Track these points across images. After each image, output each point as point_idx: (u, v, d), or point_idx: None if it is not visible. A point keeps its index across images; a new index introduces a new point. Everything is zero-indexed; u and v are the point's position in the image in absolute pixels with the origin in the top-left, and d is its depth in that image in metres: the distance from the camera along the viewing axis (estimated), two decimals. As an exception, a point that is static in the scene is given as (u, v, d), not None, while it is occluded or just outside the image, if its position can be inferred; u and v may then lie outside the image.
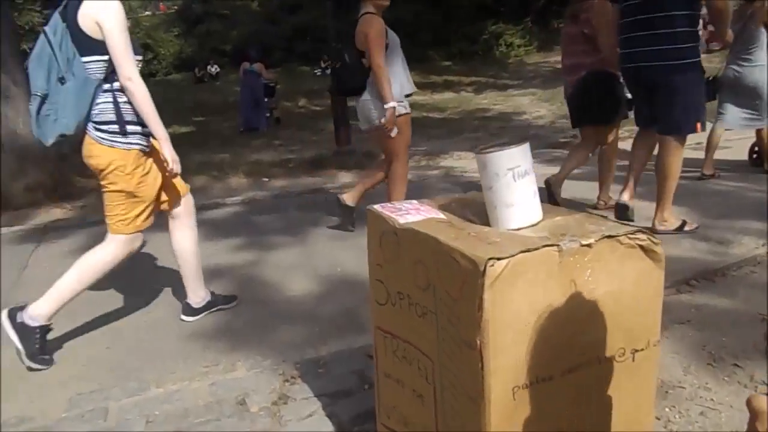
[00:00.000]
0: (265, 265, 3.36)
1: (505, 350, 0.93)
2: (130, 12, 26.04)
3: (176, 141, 7.95)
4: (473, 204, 1.26)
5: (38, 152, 6.11)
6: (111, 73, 2.11)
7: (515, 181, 1.08)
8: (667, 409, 1.77)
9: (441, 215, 1.18)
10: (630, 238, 1.02)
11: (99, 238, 4.20)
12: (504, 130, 8.86)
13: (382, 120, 3.28)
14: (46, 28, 2.06)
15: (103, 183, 2.26)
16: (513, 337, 0.93)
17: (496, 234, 1.05)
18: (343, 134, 7.17)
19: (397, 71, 3.40)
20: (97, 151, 2.15)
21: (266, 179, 6.36)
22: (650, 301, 1.07)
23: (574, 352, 1.01)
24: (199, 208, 5.24)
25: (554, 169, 5.89)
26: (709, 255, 3.09)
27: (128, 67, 2.07)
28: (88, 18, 2.04)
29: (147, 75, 20.34)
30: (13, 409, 1.94)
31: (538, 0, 21.11)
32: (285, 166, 6.82)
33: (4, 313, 2.22)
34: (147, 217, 2.32)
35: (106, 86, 2.13)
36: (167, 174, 2.32)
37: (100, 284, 3.08)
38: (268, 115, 11.00)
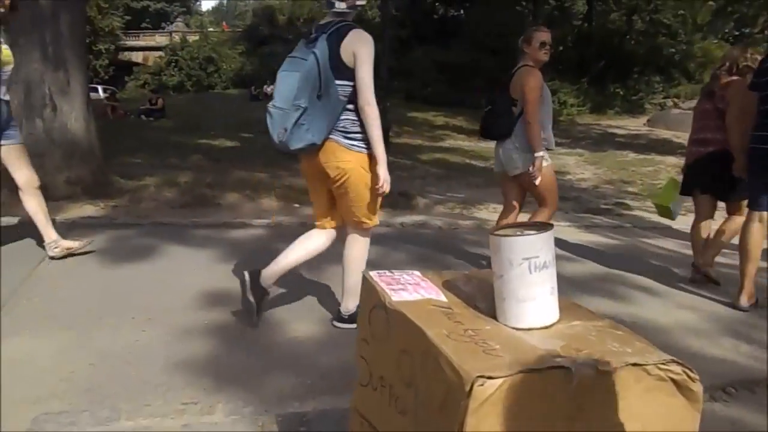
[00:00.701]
0: (275, 300, 3.23)
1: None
2: (201, 27, 27.35)
3: (220, 155, 8.15)
4: (484, 285, 1.09)
5: (84, 148, 6.28)
6: (353, 95, 2.44)
7: (531, 273, 0.92)
8: None
9: (441, 296, 1.02)
10: (661, 369, 0.83)
11: (124, 244, 4.27)
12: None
13: (530, 169, 3.44)
14: (317, 51, 2.37)
15: (345, 184, 2.55)
16: None
17: (497, 337, 0.88)
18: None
19: (546, 124, 3.57)
20: (346, 156, 2.49)
21: (297, 205, 6.31)
22: None
23: None
24: (224, 226, 5.28)
25: (590, 237, 5.68)
26: (752, 360, 2.79)
27: (369, 94, 2.42)
28: (347, 48, 2.38)
29: (206, 87, 21.19)
30: (-23, 420, 1.84)
31: (597, 63, 21.01)
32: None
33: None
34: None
35: (350, 106, 2.47)
36: (377, 192, 2.58)
37: (103, 298, 3.05)
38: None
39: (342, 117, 2.46)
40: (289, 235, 4.90)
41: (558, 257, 3.97)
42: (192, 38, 23.27)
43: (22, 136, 3.84)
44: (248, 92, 18.09)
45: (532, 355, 0.81)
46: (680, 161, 11.72)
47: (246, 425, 1.90)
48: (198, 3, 47.72)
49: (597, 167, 11.63)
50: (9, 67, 3.56)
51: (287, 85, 2.41)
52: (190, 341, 2.56)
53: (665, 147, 14.39)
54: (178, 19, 31.46)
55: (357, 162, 2.51)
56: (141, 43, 33.46)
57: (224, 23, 26.93)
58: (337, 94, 2.41)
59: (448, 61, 19.20)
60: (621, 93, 20.44)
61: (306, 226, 5.26)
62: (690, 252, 4.18)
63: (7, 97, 3.57)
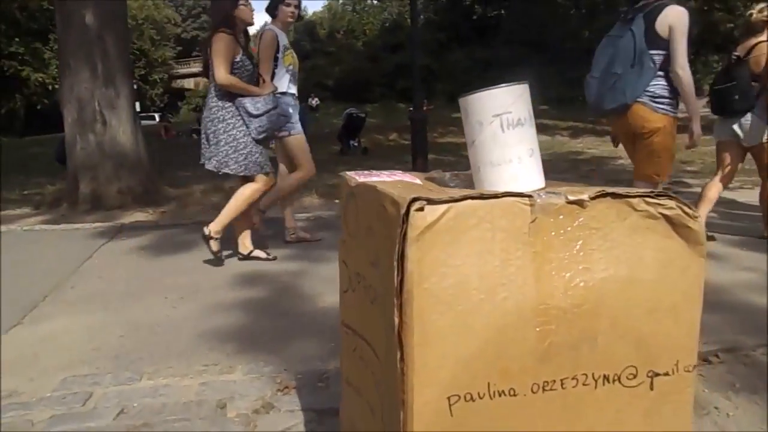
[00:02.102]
0: (306, 275, 3.21)
1: (439, 339, 0.65)
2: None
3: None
4: (470, 179, 0.99)
5: (133, 160, 6.56)
6: (665, 63, 2.70)
7: (504, 131, 0.82)
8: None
9: (417, 181, 0.93)
10: (648, 203, 0.70)
11: (166, 240, 4.40)
12: (594, 173, 8.28)
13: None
14: (633, 28, 2.71)
15: (648, 143, 2.82)
16: (452, 321, 0.65)
17: (462, 191, 0.78)
18: (420, 165, 7.03)
19: None
20: (653, 117, 2.75)
21: (338, 201, 6.33)
22: (683, 302, 0.73)
23: (551, 360, 0.70)
24: (267, 221, 5.36)
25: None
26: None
27: (683, 60, 2.66)
28: (663, 22, 2.67)
29: (254, 105, 21.88)
30: (11, 384, 1.90)
31: (649, 46, 20.11)
32: (358, 191, 6.76)
33: None
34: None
35: (660, 73, 2.72)
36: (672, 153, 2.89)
37: (140, 283, 3.13)
38: (356, 144, 11.25)
39: (652, 83, 2.74)
40: (327, 226, 4.93)
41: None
42: (238, 60, 24.24)
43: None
44: (294, 106, 18.47)
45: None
46: (745, 138, 10.98)
47: (264, 383, 1.85)
48: (244, 28, 49.44)
49: (652, 151, 11.04)
50: (295, 68, 3.85)
51: (605, 56, 2.85)
52: (218, 315, 2.56)
53: (728, 126, 13.48)
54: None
55: (662, 123, 2.77)
56: (192, 69, 35.01)
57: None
58: (649, 63, 2.71)
59: (490, 59, 18.94)
60: (676, 76, 19.46)
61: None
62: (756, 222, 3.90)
63: (294, 91, 3.82)
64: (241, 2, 3.22)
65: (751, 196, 6.73)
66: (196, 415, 1.64)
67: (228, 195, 6.80)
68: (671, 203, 0.71)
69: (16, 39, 23.42)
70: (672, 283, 0.71)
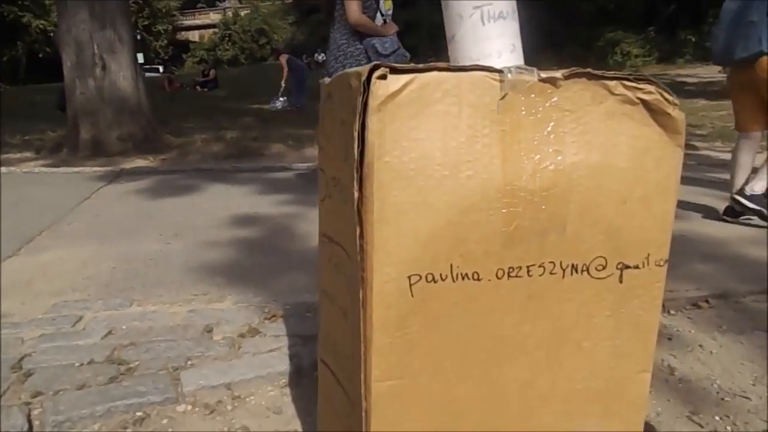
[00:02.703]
0: (304, 218, 3.21)
1: (399, 215, 0.63)
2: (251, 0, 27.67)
3: (269, 116, 8.26)
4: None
5: (133, 106, 6.49)
6: None
7: (484, 24, 0.78)
8: (717, 417, 1.34)
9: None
10: (627, 87, 0.67)
11: (166, 184, 4.41)
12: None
13: None
14: None
15: None
16: (414, 197, 0.63)
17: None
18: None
19: None
20: None
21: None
22: (657, 193, 0.70)
23: (517, 246, 0.68)
24: (266, 170, 5.34)
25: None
26: (824, 267, 2.48)
27: None
28: None
29: (259, 59, 21.60)
30: (4, 307, 1.92)
31: (666, 8, 19.51)
32: (360, 143, 6.69)
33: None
34: None
35: None
36: None
37: (137, 221, 3.15)
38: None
39: None
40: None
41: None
42: (244, 12, 23.60)
43: None
44: (300, 60, 18.12)
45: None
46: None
47: (252, 311, 1.87)
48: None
49: (662, 113, 10.86)
50: (390, 12, 3.81)
51: (733, 5, 2.80)
52: (212, 251, 2.57)
53: (742, 91, 13.18)
54: (232, -6, 32.02)
55: None
56: (197, 21, 34.33)
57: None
58: None
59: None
60: (693, 40, 18.92)
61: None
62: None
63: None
64: None
65: (758, 159, 6.61)
66: (182, 336, 1.65)
67: (229, 145, 6.80)
68: (651, 88, 0.67)
69: (17, -16, 22.97)
70: (646, 173, 0.69)
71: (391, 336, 0.66)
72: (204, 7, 36.82)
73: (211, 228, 2.97)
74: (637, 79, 0.67)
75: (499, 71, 0.64)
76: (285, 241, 2.76)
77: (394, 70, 0.60)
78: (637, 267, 0.71)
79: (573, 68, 0.66)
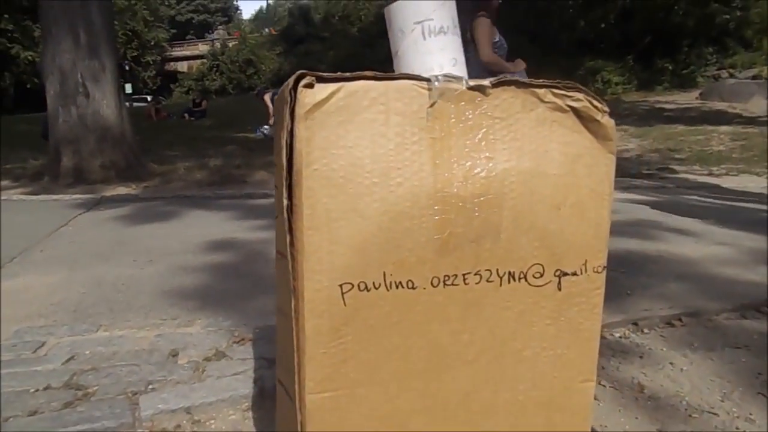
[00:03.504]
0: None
1: (330, 222, 0.62)
2: (243, 30, 28.12)
3: (254, 145, 8.30)
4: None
5: (116, 134, 6.49)
6: None
7: (425, 39, 0.79)
8: (683, 435, 1.33)
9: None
10: (555, 95, 0.68)
11: (145, 211, 4.37)
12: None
13: None
14: None
15: None
16: (344, 204, 0.63)
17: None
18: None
19: None
20: None
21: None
22: (590, 199, 0.70)
23: (451, 253, 0.67)
24: (247, 197, 5.33)
25: (628, 195, 5.35)
26: (796, 285, 2.50)
27: None
28: None
29: (247, 89, 21.73)
30: (-35, 333, 1.87)
31: (642, 39, 20.07)
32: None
33: None
34: None
35: None
36: None
37: (111, 247, 3.12)
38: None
39: None
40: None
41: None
42: (232, 43, 23.94)
43: None
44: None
45: (392, 79, 0.67)
46: (735, 130, 11.00)
47: (221, 335, 1.84)
48: (239, 12, 49.04)
49: (641, 140, 11.07)
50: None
51: None
52: (184, 276, 2.54)
53: (719, 118, 13.49)
54: (220, 28, 32.48)
55: None
56: (186, 52, 34.69)
57: (272, 28, 27.42)
58: None
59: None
60: (670, 68, 19.42)
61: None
62: (739, 204, 3.91)
63: None
64: None
65: (734, 182, 6.74)
66: (146, 361, 1.62)
67: (212, 172, 6.79)
68: (579, 95, 0.68)
69: (6, 16, 23.07)
70: (578, 179, 0.69)
71: (324, 346, 0.65)
72: (193, 39, 37.28)
73: (185, 253, 2.95)
74: (566, 87, 0.68)
75: (427, 80, 0.65)
76: (259, 266, 2.73)
77: (321, 79, 0.61)
78: (575, 274, 0.71)
79: (500, 76, 0.67)
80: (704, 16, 19.35)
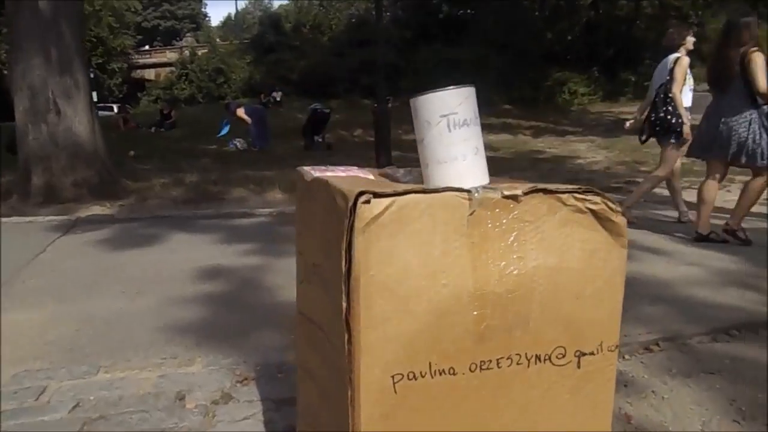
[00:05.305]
0: (268, 270, 3.22)
1: (383, 321, 0.70)
2: (209, 40, 27.77)
3: (228, 158, 8.21)
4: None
5: (89, 151, 6.38)
6: None
7: (450, 131, 0.87)
8: (669, 467, 1.44)
9: (370, 176, 0.98)
10: (577, 198, 0.77)
11: (125, 234, 4.33)
12: (554, 172, 8.51)
13: None
14: None
15: None
16: (396, 305, 0.70)
17: (406, 186, 0.83)
18: (383, 161, 7.07)
19: None
20: None
21: (300, 196, 6.30)
22: (606, 288, 0.80)
23: (487, 342, 0.76)
24: (228, 216, 5.31)
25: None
26: (759, 306, 2.68)
27: None
28: None
29: (217, 98, 21.42)
30: (-41, 378, 1.85)
31: (606, 51, 20.74)
32: (322, 186, 6.71)
33: None
34: None
35: None
36: None
37: (97, 277, 3.09)
38: (320, 140, 11.26)
39: None
40: (290, 221, 4.92)
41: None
42: (201, 51, 23.66)
43: None
44: (258, 100, 18.21)
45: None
46: (695, 140, 11.45)
47: (223, 374, 1.87)
48: (207, 19, 48.43)
49: (609, 151, 11.41)
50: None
51: None
52: (177, 308, 2.55)
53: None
54: (188, 35, 32.03)
55: None
56: (153, 60, 34.09)
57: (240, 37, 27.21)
58: None
59: (455, 59, 19.12)
60: (633, 79, 20.13)
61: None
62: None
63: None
64: None
65: (695, 195, 7.03)
66: (154, 406, 1.64)
67: (189, 189, 6.73)
68: (597, 199, 0.78)
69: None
70: (596, 271, 0.78)
71: (376, 428, 0.72)
72: (160, 46, 36.67)
73: (174, 282, 2.95)
74: (585, 191, 0.77)
75: (468, 191, 0.73)
76: (250, 296, 2.77)
77: (376, 195, 0.68)
78: (592, 353, 0.80)
79: (532, 185, 0.75)
80: (664, 30, 20.14)
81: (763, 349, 2.17)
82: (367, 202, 0.68)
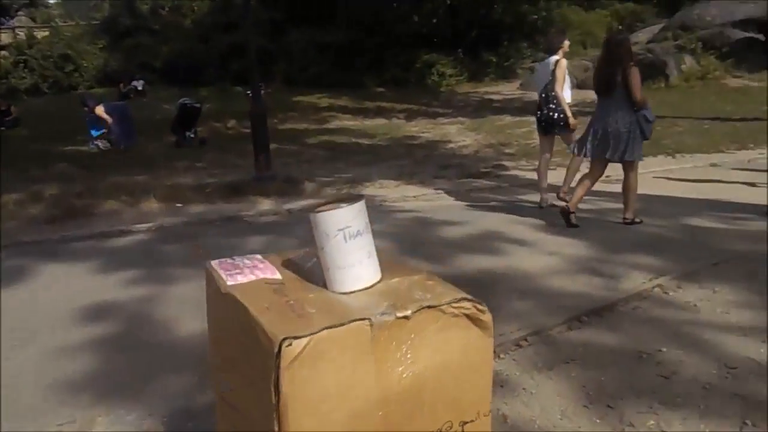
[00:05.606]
0: (161, 300, 3.14)
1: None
2: (49, 21, 24.77)
3: (90, 161, 7.53)
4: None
5: None
6: None
7: (346, 242, 1.02)
8: (538, 459, 1.74)
9: (277, 275, 1.10)
10: (454, 307, 0.97)
11: None
12: (428, 158, 8.98)
13: None
14: None
15: None
16: (317, 424, 0.86)
17: (316, 302, 0.98)
18: (264, 160, 6.99)
19: None
20: None
21: (180, 205, 6.06)
22: (479, 370, 1.02)
23: (394, 428, 0.94)
24: (103, 236, 4.96)
25: (471, 200, 6.05)
26: (603, 290, 3.16)
27: None
28: None
29: (67, 87, 19.16)
30: None
31: (469, 32, 21.94)
32: (202, 191, 6.51)
33: None
34: None
35: None
36: None
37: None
38: (192, 136, 10.73)
39: None
40: (173, 238, 4.73)
41: (442, 222, 4.15)
42: (41, 34, 21.04)
43: None
44: (117, 90, 16.78)
45: (341, 313, 0.91)
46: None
47: (130, 433, 1.88)
48: (45, -5, 42.96)
49: (476, 133, 12.21)
50: None
51: None
52: (65, 359, 2.44)
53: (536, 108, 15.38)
54: (20, 13, 28.05)
55: None
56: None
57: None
58: None
59: (327, 42, 19.06)
60: (494, 60, 21.50)
61: (191, 225, 5.17)
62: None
63: None
64: None
65: (552, 177, 7.83)
66: (61, 484, 1.63)
67: (50, 205, 6.13)
68: (468, 305, 0.99)
69: None
70: (471, 359, 1.00)
71: None
72: (-8, 26, 31.87)
73: (55, 328, 2.79)
74: (459, 301, 0.97)
75: (369, 319, 0.88)
76: (143, 333, 2.71)
77: (296, 337, 0.81)
78: (472, 421, 1.01)
79: (419, 305, 0.93)
80: (518, 14, 21.75)
81: (608, 333, 2.61)
82: (290, 345, 0.81)
